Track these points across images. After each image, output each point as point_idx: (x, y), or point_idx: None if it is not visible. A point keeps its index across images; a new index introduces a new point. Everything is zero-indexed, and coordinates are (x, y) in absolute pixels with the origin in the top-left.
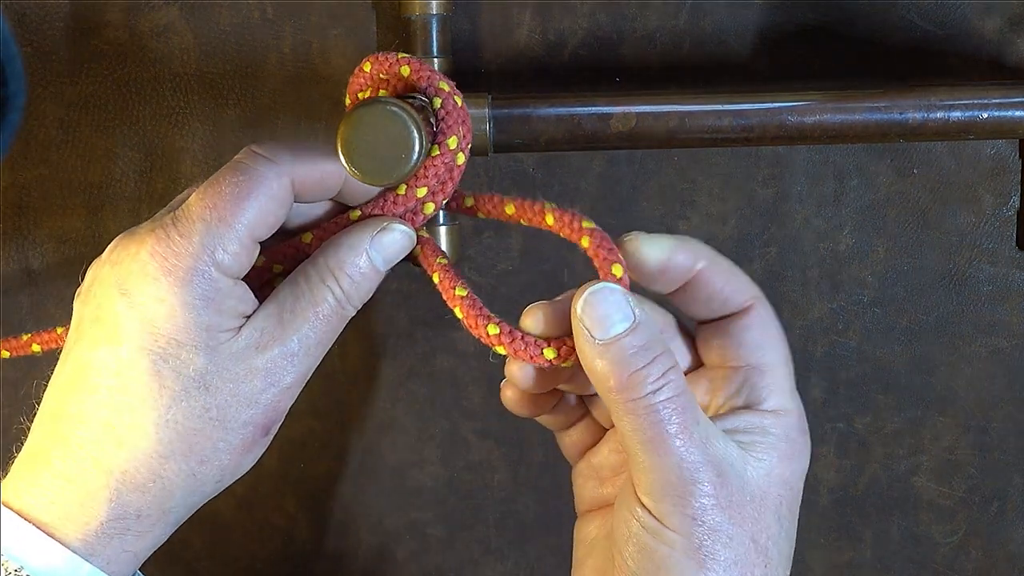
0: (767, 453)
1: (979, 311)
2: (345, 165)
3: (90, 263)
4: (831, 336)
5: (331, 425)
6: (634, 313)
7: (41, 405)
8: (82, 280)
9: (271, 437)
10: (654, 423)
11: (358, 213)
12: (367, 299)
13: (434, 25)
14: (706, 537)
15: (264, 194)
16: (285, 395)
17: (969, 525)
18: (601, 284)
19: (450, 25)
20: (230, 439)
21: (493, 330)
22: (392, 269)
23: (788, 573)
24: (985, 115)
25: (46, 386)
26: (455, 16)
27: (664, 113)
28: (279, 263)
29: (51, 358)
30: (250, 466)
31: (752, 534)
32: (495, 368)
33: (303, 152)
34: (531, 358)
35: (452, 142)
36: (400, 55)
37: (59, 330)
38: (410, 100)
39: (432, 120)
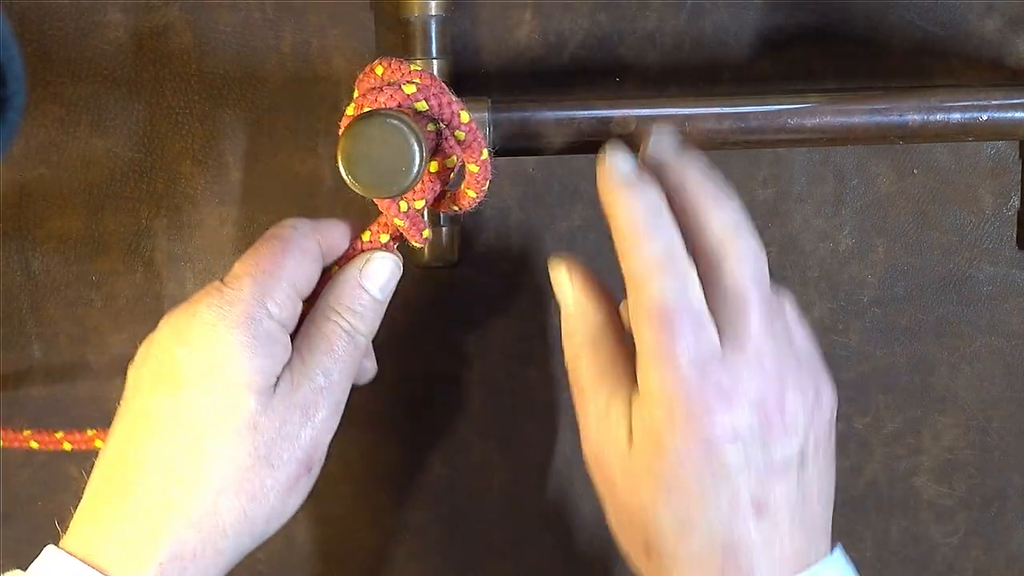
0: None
1: (979, 311)
2: (346, 178)
3: (90, 260)
4: (831, 336)
5: None
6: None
7: (100, 457)
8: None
9: (314, 477)
10: None
11: (368, 234)
12: (376, 326)
13: (433, 26)
14: None
15: (298, 252)
16: (322, 430)
17: (969, 525)
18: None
19: (450, 26)
20: (277, 476)
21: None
22: None
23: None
24: (985, 116)
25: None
26: (455, 16)
27: (664, 117)
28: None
29: (47, 365)
30: (295, 508)
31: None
32: (495, 369)
33: (323, 221)
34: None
35: (473, 167)
36: (413, 71)
37: (90, 432)
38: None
39: (435, 127)
